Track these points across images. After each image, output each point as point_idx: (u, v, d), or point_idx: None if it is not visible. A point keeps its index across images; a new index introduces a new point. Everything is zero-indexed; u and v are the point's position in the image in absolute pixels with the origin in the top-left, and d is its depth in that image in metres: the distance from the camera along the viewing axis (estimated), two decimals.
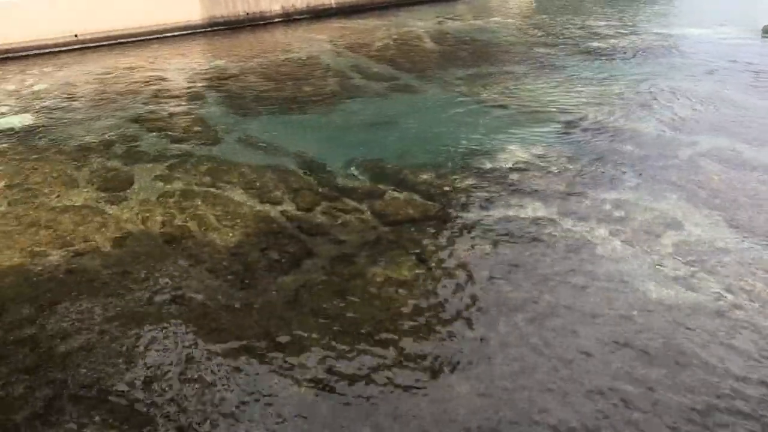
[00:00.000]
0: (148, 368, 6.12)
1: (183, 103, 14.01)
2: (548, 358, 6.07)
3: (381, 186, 9.63)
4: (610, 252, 7.75)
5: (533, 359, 6.07)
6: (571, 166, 10.12)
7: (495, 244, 8.02)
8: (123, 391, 5.85)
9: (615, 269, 7.39)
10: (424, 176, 9.91)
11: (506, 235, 8.21)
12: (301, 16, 23.82)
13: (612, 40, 19.30)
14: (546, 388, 5.73)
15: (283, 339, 6.43)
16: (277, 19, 23.23)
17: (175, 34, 20.98)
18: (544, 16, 23.59)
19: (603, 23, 21.99)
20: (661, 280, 7.16)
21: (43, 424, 5.51)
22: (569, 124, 12.02)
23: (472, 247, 7.98)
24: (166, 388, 5.88)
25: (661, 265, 7.43)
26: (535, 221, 8.49)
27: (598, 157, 10.45)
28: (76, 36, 19.35)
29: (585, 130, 11.72)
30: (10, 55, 18.34)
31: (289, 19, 23.45)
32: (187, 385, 5.92)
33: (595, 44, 18.84)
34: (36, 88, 15.34)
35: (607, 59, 16.98)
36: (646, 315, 6.60)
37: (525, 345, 6.24)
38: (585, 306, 6.78)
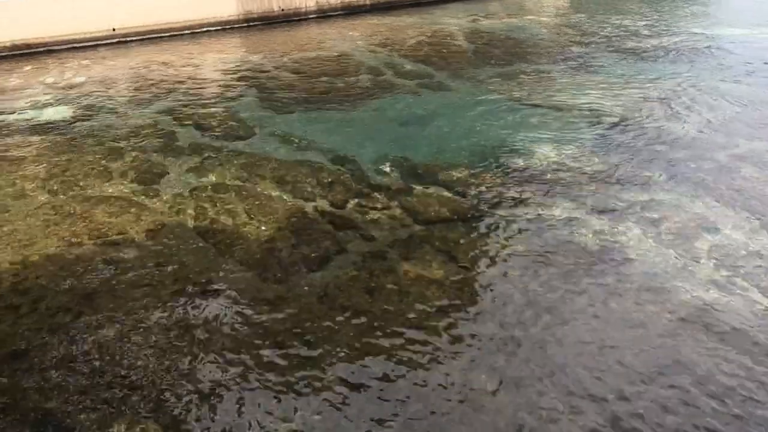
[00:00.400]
0: (179, 359, 6.19)
1: (217, 98, 14.13)
2: (579, 361, 6.03)
3: (413, 183, 9.64)
4: (643, 254, 7.67)
5: (564, 361, 6.03)
6: (604, 167, 10.03)
7: (526, 243, 7.98)
8: (155, 382, 5.93)
9: (648, 271, 7.31)
10: (456, 174, 9.89)
11: (538, 234, 8.16)
12: (336, 13, 23.88)
13: (648, 40, 19.07)
14: (576, 391, 5.69)
15: (314, 334, 6.46)
16: (311, 16, 23.32)
17: (211, 29, 21.16)
18: (579, 15, 23.38)
19: (639, 22, 21.72)
20: (696, 283, 7.07)
21: (77, 412, 5.60)
22: (603, 124, 11.90)
23: (503, 246, 7.95)
24: (197, 380, 5.95)
25: (696, 269, 7.34)
26: (567, 221, 8.43)
27: (632, 158, 10.34)
28: (113, 30, 19.61)
29: (619, 130, 11.60)
30: (50, 48, 18.64)
31: (323, 15, 23.53)
32: (216, 376, 5.98)
33: (631, 43, 18.62)
34: (74, 81, 15.57)
35: (642, 59, 16.78)
36: (679, 319, 6.53)
37: (556, 346, 6.21)
38: (617, 308, 6.73)
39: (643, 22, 21.70)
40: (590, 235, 8.10)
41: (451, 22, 22.43)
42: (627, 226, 8.30)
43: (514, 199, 9.10)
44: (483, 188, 9.43)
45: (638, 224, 8.31)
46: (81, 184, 9.80)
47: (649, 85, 14.35)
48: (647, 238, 7.97)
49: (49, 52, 18.54)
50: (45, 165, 10.51)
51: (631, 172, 9.83)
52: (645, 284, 7.09)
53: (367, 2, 24.72)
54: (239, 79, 15.70)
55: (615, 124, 11.88)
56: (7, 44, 18.08)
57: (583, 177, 9.70)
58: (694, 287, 7.00)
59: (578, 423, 5.35)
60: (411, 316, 6.67)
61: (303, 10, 23.19)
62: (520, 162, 10.29)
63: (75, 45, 19.06)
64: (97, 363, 6.15)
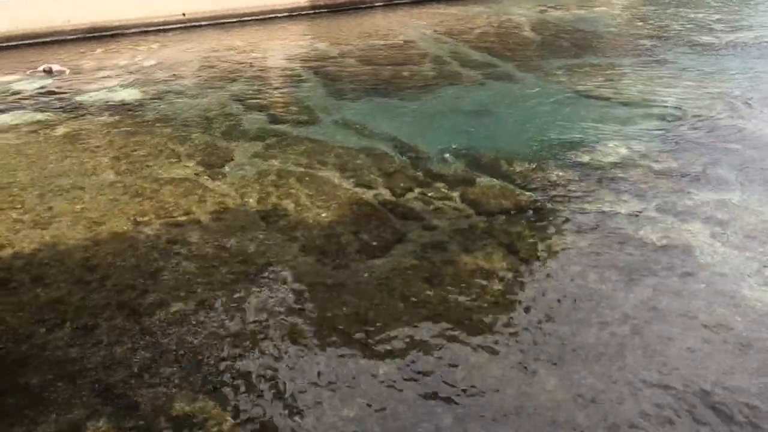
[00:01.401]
0: (239, 340, 6.30)
1: (282, 84, 14.28)
2: (639, 361, 5.91)
3: (475, 174, 9.57)
4: (711, 255, 7.46)
5: (624, 360, 5.92)
6: (672, 164, 9.78)
7: (589, 239, 7.85)
8: (214, 361, 6.05)
9: (716, 273, 7.11)
10: (519, 166, 9.78)
11: (601, 230, 8.02)
12: (403, 1, 23.81)
13: (722, 34, 18.47)
14: (635, 391, 5.58)
15: (372, 321, 6.50)
16: (378, 3, 23.30)
17: (279, 15, 21.36)
18: (651, 7, 22.77)
19: (713, 16, 21.05)
20: (767, 288, 6.85)
21: (139, 386, 5.76)
22: (673, 120, 11.60)
23: (566, 241, 7.84)
24: (256, 360, 6.05)
25: (767, 273, 7.11)
26: (633, 218, 8.26)
27: (702, 156, 10.05)
28: (183, 15, 19.97)
29: (689, 126, 11.29)
30: (123, 31, 19.11)
31: (390, 3, 23.48)
32: (275, 358, 6.06)
33: (705, 38, 18.08)
34: (144, 63, 15.93)
35: (716, 54, 16.26)
36: (749, 323, 6.33)
37: (616, 345, 6.10)
38: (681, 309, 6.56)
39: (717, 16, 21.02)
40: (656, 234, 7.92)
41: (519, 12, 22.13)
42: (694, 225, 8.08)
43: (577, 193, 8.95)
44: (546, 181, 9.30)
45: (707, 224, 8.08)
46: (149, 164, 10.04)
47: (722, 81, 13.91)
48: (716, 239, 7.75)
49: (122, 35, 19.00)
50: (115, 145, 10.79)
51: (701, 171, 9.56)
52: (713, 286, 6.90)
53: None
54: (305, 65, 15.82)
55: (685, 120, 11.56)
56: (83, 27, 18.59)
57: (650, 173, 9.48)
58: (766, 292, 6.78)
59: (637, 426, 5.25)
60: (470, 307, 6.65)
61: None
62: (584, 156, 10.12)
63: (146, 29, 19.48)
64: (159, 340, 6.31)
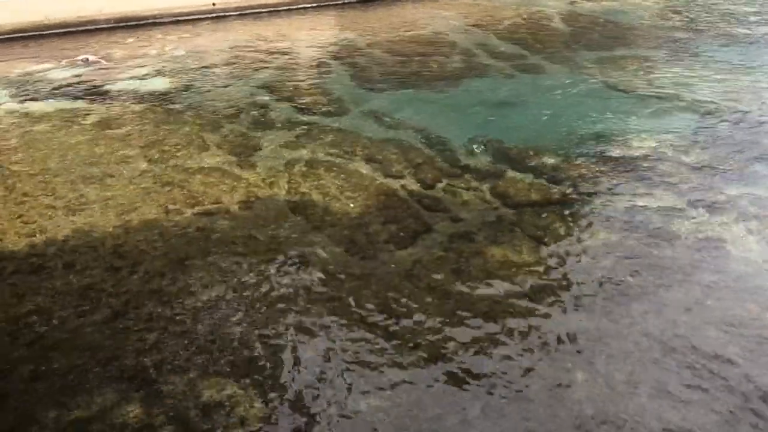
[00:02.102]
0: (268, 328, 6.35)
1: (311, 75, 14.30)
2: (669, 356, 5.86)
3: (503, 166, 9.53)
4: (743, 251, 7.36)
5: (653, 355, 5.88)
6: (705, 157, 9.65)
7: (619, 233, 7.78)
8: (243, 348, 6.10)
9: (749, 269, 7.02)
10: (548, 159, 9.71)
11: (631, 224, 7.95)
12: None
13: (757, 27, 18.15)
14: (664, 388, 5.54)
15: (399, 312, 6.51)
16: None
17: (307, 6, 21.36)
18: None
19: (748, 8, 20.69)
20: None
21: (169, 372, 5.83)
22: (706, 113, 11.43)
23: (595, 234, 7.78)
24: (282, 349, 6.09)
25: None
26: (664, 212, 8.17)
27: (735, 150, 9.90)
28: (213, 4, 20.04)
29: (723, 120, 11.12)
30: (152, 21, 19.24)
31: None
32: (302, 347, 6.10)
33: (739, 30, 17.78)
34: (175, 53, 16.03)
35: (750, 47, 15.98)
36: None
37: (646, 339, 6.05)
38: (713, 305, 6.49)
39: (753, 8, 20.66)
40: (687, 229, 7.83)
41: (549, 4, 21.90)
42: (727, 221, 7.98)
43: (607, 187, 8.87)
44: (575, 175, 9.23)
45: (740, 220, 7.97)
46: (179, 153, 10.12)
47: (756, 74, 13.67)
48: (749, 234, 7.64)
49: (152, 24, 19.12)
50: (146, 134, 10.89)
51: (734, 165, 9.42)
52: (745, 282, 6.82)
53: None
54: (333, 56, 15.82)
55: (718, 114, 11.39)
56: (115, 17, 18.76)
57: (682, 168, 9.37)
58: None
59: (669, 423, 5.21)
60: (498, 299, 6.63)
61: None
62: (615, 150, 10.02)
63: (176, 19, 19.59)
64: (189, 327, 6.37)
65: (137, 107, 12.20)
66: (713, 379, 5.58)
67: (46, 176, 9.38)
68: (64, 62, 15.10)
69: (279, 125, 11.29)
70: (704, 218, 8.00)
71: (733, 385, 5.52)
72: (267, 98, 12.71)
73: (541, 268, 7.14)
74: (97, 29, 18.42)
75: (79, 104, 12.37)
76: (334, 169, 9.53)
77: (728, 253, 7.31)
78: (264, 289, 6.91)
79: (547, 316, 6.42)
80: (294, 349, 6.08)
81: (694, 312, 6.38)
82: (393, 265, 7.24)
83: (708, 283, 6.82)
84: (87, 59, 15.08)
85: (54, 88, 13.26)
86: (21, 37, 17.43)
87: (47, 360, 5.96)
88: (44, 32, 17.85)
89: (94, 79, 13.89)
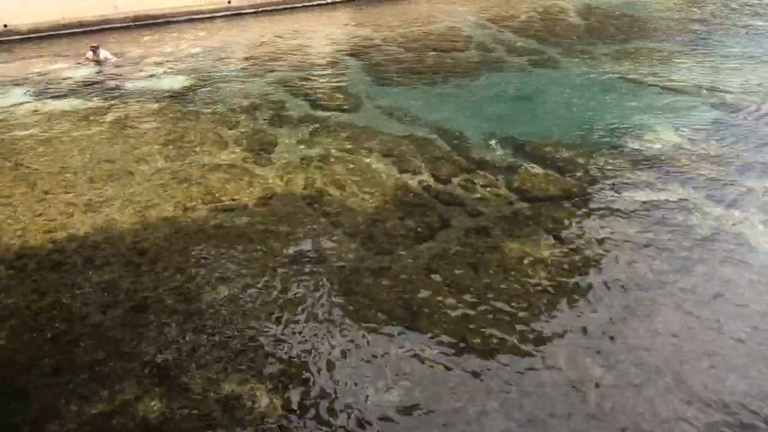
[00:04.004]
0: (286, 323, 6.38)
1: (326, 71, 14.31)
2: (688, 350, 5.84)
3: (519, 160, 9.51)
4: (763, 243, 7.31)
5: (672, 349, 5.86)
6: (723, 150, 9.58)
7: (637, 226, 7.75)
8: (263, 342, 6.14)
9: None
10: (565, 153, 9.68)
11: (649, 218, 7.91)
12: None
13: None
14: (686, 381, 5.52)
15: (417, 306, 6.52)
16: None
17: (322, 2, 21.39)
18: None
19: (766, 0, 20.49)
20: None
21: (190, 366, 5.88)
22: (723, 106, 11.34)
23: (613, 228, 7.75)
24: (301, 344, 6.12)
25: None
26: (682, 206, 8.13)
27: (753, 143, 9.83)
28: (229, 2, 20.11)
29: (739, 112, 11.04)
30: (168, 20, 19.33)
31: None
32: (322, 341, 6.13)
33: (756, 22, 17.62)
34: (190, 51, 16.09)
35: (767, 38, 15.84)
36: None
37: (666, 334, 6.03)
38: (732, 297, 6.46)
39: None
40: (706, 221, 7.79)
41: None
42: (745, 213, 7.92)
43: (625, 180, 8.83)
44: (593, 168, 9.19)
45: (758, 212, 7.91)
46: (196, 150, 10.18)
47: None
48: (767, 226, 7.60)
49: (167, 23, 19.21)
50: (163, 132, 10.96)
51: (751, 158, 9.36)
52: (765, 274, 6.76)
53: None
54: (348, 52, 15.83)
55: (735, 107, 11.30)
56: (130, 15, 18.87)
57: (700, 160, 9.31)
58: None
59: (685, 416, 5.19)
60: (515, 294, 6.63)
61: None
62: (632, 143, 9.97)
63: (192, 17, 19.67)
64: (208, 322, 6.42)
65: (154, 105, 12.28)
66: (735, 373, 5.56)
67: (66, 174, 9.46)
68: (81, 60, 15.21)
69: (295, 121, 11.32)
70: (723, 211, 7.95)
71: (754, 381, 5.49)
72: (283, 95, 12.74)
73: (558, 262, 7.12)
74: (113, 28, 18.53)
75: (97, 102, 12.46)
76: (351, 164, 9.55)
77: (748, 246, 7.26)
78: (282, 284, 6.94)
79: (564, 310, 6.40)
80: (313, 344, 6.11)
81: (712, 305, 6.35)
82: (410, 260, 7.24)
83: (728, 275, 6.78)
84: (97, 53, 15.10)
85: (72, 87, 13.37)
86: (39, 37, 17.57)
87: (69, 354, 6.03)
88: (61, 32, 17.98)
89: (112, 78, 13.99)
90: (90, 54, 15.19)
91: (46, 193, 8.94)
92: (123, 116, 11.69)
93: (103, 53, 15.26)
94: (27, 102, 12.51)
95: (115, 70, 14.57)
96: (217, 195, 8.78)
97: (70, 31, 18.09)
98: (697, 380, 5.49)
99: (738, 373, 5.57)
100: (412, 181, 9.00)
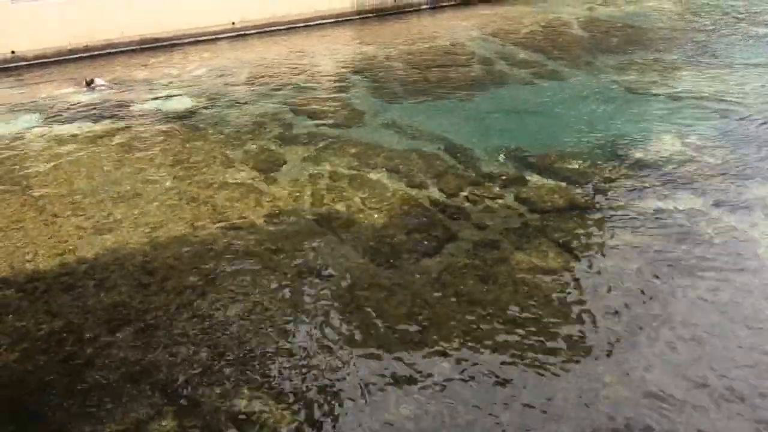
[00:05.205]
0: (298, 340, 6.39)
1: (331, 89, 14.40)
2: (699, 358, 5.82)
3: (526, 173, 9.52)
4: None
5: (683, 358, 5.83)
6: (730, 158, 9.59)
7: (645, 236, 7.74)
8: (275, 360, 6.14)
9: None
10: (572, 164, 9.70)
11: (658, 227, 7.90)
12: (448, 4, 23.78)
13: None
14: (696, 390, 5.49)
15: (427, 320, 6.52)
16: (424, 7, 23.32)
17: (325, 22, 21.55)
18: (704, 1, 22.33)
19: (766, 8, 20.55)
20: None
21: (202, 385, 5.88)
22: (729, 115, 11.36)
23: (621, 238, 7.75)
24: (313, 361, 6.12)
25: None
26: (690, 214, 8.12)
27: (759, 150, 9.83)
28: (233, 24, 20.29)
29: (745, 121, 11.05)
30: (174, 42, 19.50)
31: (436, 6, 23.48)
32: (331, 359, 6.13)
33: (760, 30, 17.66)
34: (196, 73, 16.22)
35: None
36: None
37: (677, 343, 6.01)
38: (745, 307, 6.43)
39: None
40: (714, 230, 7.78)
41: (567, 10, 21.91)
42: (753, 221, 7.91)
43: (632, 190, 8.84)
44: (599, 179, 9.20)
45: (766, 220, 7.89)
46: (204, 170, 10.23)
47: None
48: None
49: (173, 45, 19.37)
50: (170, 152, 11.03)
51: (757, 166, 9.36)
52: None
53: None
54: (353, 70, 15.92)
55: (740, 115, 11.31)
56: (136, 39, 19.04)
57: (706, 169, 9.31)
58: None
59: (697, 423, 5.16)
60: (525, 306, 6.62)
61: (415, 1, 23.24)
62: (638, 153, 9.98)
63: (197, 39, 19.84)
64: (219, 340, 6.43)
65: (161, 126, 12.36)
66: (746, 381, 5.53)
67: (75, 197, 9.52)
68: (81, 86, 15.34)
69: (301, 140, 11.38)
70: (731, 219, 7.94)
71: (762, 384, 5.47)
72: (289, 113, 12.82)
73: (567, 274, 7.12)
74: (119, 52, 18.71)
75: (105, 125, 12.55)
76: (358, 180, 9.58)
77: (757, 254, 7.24)
78: (291, 301, 6.95)
79: (575, 321, 6.39)
80: (323, 360, 6.11)
81: (724, 314, 6.32)
82: (419, 275, 7.25)
83: (738, 284, 6.75)
84: (92, 81, 15.26)
85: (79, 111, 13.47)
86: (46, 62, 17.74)
87: (81, 376, 6.04)
88: (68, 57, 18.15)
89: (119, 100, 14.10)
90: (84, 84, 15.35)
91: (56, 216, 9.00)
92: (130, 138, 11.77)
93: (98, 80, 15.41)
94: (35, 127, 12.62)
95: (123, 93, 14.68)
96: (225, 214, 8.82)
97: (76, 56, 18.26)
98: (715, 392, 5.46)
99: (751, 381, 5.54)
100: (419, 196, 9.03)
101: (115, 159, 10.86)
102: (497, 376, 5.77)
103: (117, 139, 11.78)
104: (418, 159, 10.20)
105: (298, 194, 9.29)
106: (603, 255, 7.42)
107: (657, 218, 8.09)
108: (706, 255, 7.28)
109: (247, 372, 6.02)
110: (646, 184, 8.94)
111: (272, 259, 7.72)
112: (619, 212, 8.29)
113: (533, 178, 9.32)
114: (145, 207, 9.14)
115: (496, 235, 7.94)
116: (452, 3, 23.81)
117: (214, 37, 20.11)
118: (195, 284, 7.32)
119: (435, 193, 9.10)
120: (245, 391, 5.81)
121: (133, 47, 19.08)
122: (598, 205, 8.49)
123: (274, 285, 7.24)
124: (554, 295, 6.75)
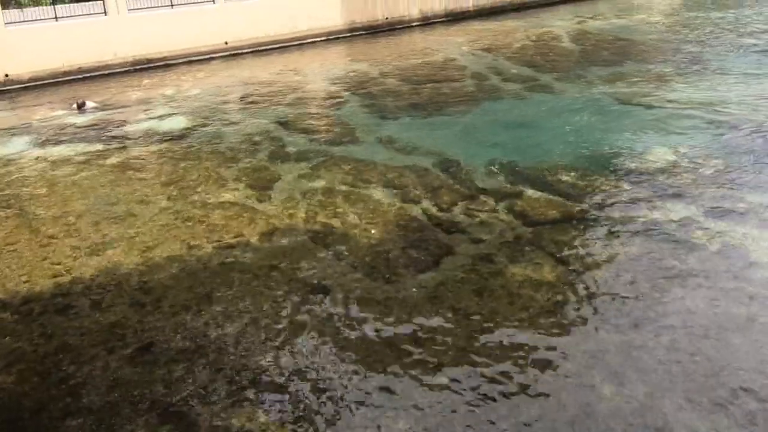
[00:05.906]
0: (294, 356, 6.38)
1: (324, 106, 14.47)
2: (697, 367, 5.82)
3: (520, 186, 9.56)
4: (764, 258, 7.31)
5: (679, 367, 5.83)
6: (722, 168, 9.64)
7: (639, 246, 7.76)
8: (271, 377, 6.13)
9: None
10: (565, 177, 9.74)
11: (652, 237, 7.93)
12: (439, 20, 23.96)
13: (765, 35, 18.16)
14: (694, 398, 5.49)
15: (423, 334, 6.51)
16: (415, 23, 23.51)
17: (317, 39, 21.68)
18: (692, 13, 22.54)
19: (758, 19, 20.73)
20: None
21: (199, 403, 5.86)
22: (720, 124, 11.43)
23: (615, 248, 7.77)
24: (310, 376, 6.11)
25: None
26: (683, 224, 8.15)
27: (751, 160, 9.89)
28: (226, 43, 20.42)
29: (737, 131, 11.12)
30: (169, 62, 19.60)
31: (427, 22, 23.66)
32: (329, 374, 6.12)
33: (749, 41, 17.81)
34: (190, 92, 16.32)
35: (760, 55, 15.99)
36: None
37: (673, 351, 6.01)
38: (740, 313, 6.44)
39: (759, 18, 20.68)
40: (708, 239, 7.81)
41: (557, 24, 22.10)
42: (747, 229, 7.94)
43: (626, 201, 8.88)
44: (593, 190, 9.24)
45: (759, 228, 7.93)
46: (198, 190, 10.26)
47: (767, 84, 13.67)
48: None
49: (167, 66, 19.48)
50: (165, 172, 11.06)
51: (750, 175, 9.41)
52: None
53: (471, 8, 24.70)
54: (346, 86, 16.01)
55: (732, 125, 11.39)
56: (129, 60, 19.13)
57: (699, 179, 9.36)
58: None
59: None
60: (521, 317, 6.63)
61: (407, 18, 23.42)
62: (631, 164, 10.03)
63: (190, 59, 19.95)
64: (216, 358, 6.41)
65: (155, 147, 12.40)
66: (743, 389, 5.54)
67: (70, 218, 9.53)
68: (71, 108, 15.39)
69: (295, 157, 11.42)
70: (724, 228, 7.97)
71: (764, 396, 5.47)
72: (282, 131, 12.88)
73: (562, 285, 7.13)
74: (113, 74, 18.78)
75: (99, 146, 12.59)
76: (352, 196, 9.61)
77: (750, 261, 7.26)
78: (287, 318, 6.95)
79: (571, 332, 6.40)
80: (320, 377, 6.10)
81: (719, 321, 6.33)
82: (415, 289, 7.26)
83: (732, 292, 6.77)
84: (83, 104, 15.32)
85: (74, 133, 13.52)
86: (40, 84, 17.80)
87: (77, 397, 6.02)
88: (62, 79, 18.22)
89: (113, 121, 14.15)
90: (76, 107, 15.41)
91: (51, 237, 9.00)
92: (125, 159, 11.81)
93: (88, 103, 15.48)
94: (29, 149, 12.65)
95: (117, 114, 14.74)
96: (220, 232, 8.84)
97: (70, 78, 18.33)
98: (709, 400, 5.47)
99: (748, 389, 5.54)
100: (414, 211, 9.05)
101: (110, 179, 10.88)
102: (494, 389, 5.76)
103: (111, 160, 11.81)
104: (413, 174, 10.24)
105: (292, 211, 9.30)
106: (597, 266, 7.43)
107: (650, 228, 8.12)
108: (700, 265, 7.29)
109: (244, 389, 6.00)
110: (640, 195, 8.98)
111: (268, 277, 7.73)
112: (613, 223, 8.32)
113: (527, 191, 9.35)
114: (140, 227, 9.15)
115: (490, 248, 7.96)
116: (443, 19, 23.98)
117: (207, 56, 20.23)
118: (190, 303, 7.31)
119: (430, 207, 9.13)
120: (242, 408, 5.79)
121: (127, 68, 19.16)
122: (591, 217, 8.52)
123: (269, 303, 7.24)
124: (549, 307, 6.75)
